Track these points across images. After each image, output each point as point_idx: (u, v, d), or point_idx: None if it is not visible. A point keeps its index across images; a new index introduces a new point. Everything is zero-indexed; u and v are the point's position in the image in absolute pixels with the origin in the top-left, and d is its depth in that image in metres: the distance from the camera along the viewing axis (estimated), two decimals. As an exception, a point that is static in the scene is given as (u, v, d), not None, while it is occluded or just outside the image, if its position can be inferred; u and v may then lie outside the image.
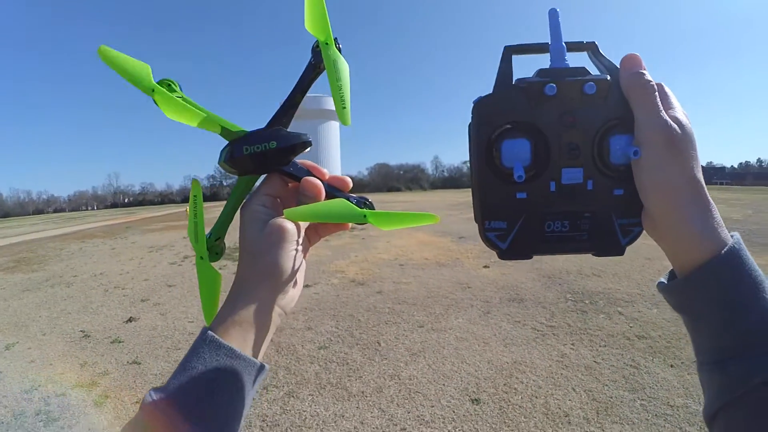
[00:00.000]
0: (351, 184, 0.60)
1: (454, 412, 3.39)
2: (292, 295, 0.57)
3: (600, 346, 4.41)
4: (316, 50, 0.57)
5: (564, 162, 0.50)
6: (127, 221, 25.02)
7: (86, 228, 21.35)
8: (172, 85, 0.56)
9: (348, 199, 0.57)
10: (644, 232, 0.52)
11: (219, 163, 0.58)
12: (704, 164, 0.52)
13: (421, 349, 4.57)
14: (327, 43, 0.55)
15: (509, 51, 0.51)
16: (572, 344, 4.50)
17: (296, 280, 0.57)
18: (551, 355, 4.30)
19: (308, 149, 0.59)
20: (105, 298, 7.07)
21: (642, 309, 5.34)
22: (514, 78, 0.51)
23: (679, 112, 0.47)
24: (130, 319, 5.90)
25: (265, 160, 0.57)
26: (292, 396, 3.72)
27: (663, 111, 0.46)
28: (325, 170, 0.60)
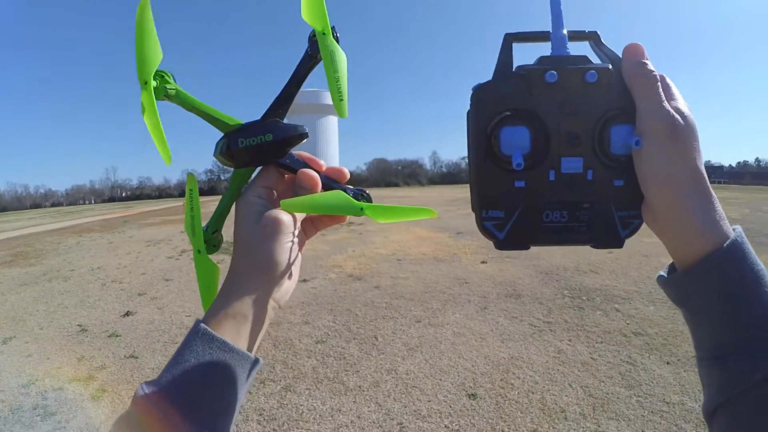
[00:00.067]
0: (348, 176, 0.60)
1: (450, 406, 3.40)
2: (286, 288, 0.56)
3: (597, 343, 4.42)
4: (313, 40, 0.56)
5: (564, 151, 0.49)
6: (125, 215, 24.97)
7: (84, 222, 21.31)
8: (166, 77, 0.54)
9: (345, 191, 0.56)
10: (644, 225, 0.51)
11: (215, 155, 0.58)
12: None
13: (418, 344, 4.58)
14: (324, 33, 0.54)
15: (509, 39, 0.51)
16: (569, 340, 4.51)
17: (291, 273, 0.57)
18: (548, 350, 4.31)
19: (305, 141, 0.58)
20: (102, 292, 7.07)
21: (639, 306, 5.36)
22: (515, 66, 0.50)
23: (682, 103, 0.47)
24: (127, 313, 5.89)
25: (261, 152, 0.56)
26: (289, 390, 3.73)
27: (665, 101, 0.46)
28: (322, 162, 0.59)
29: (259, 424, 3.25)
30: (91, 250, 11.69)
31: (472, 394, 3.55)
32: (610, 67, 0.48)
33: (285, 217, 0.53)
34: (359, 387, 3.76)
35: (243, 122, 0.57)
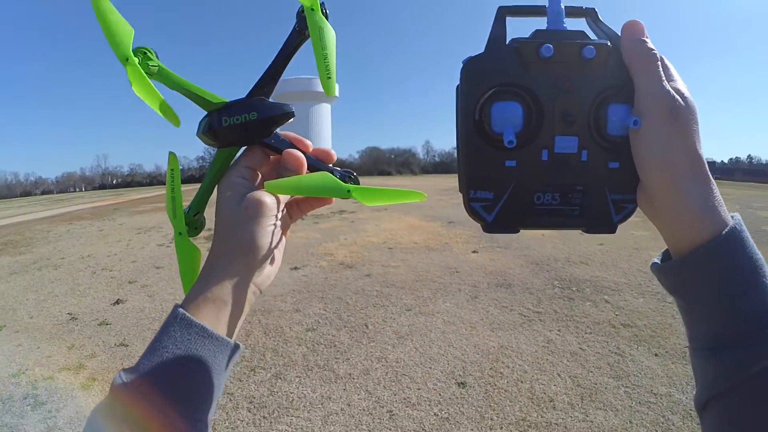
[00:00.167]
0: (335, 157, 0.58)
1: (440, 394, 3.42)
2: (268, 272, 0.55)
3: (586, 333, 4.45)
4: (301, 16, 0.54)
5: (558, 130, 0.47)
6: (115, 203, 24.85)
7: (74, 210, 21.18)
8: (149, 54, 0.53)
9: (332, 173, 0.55)
10: (637, 212, 0.49)
11: (198, 134, 0.56)
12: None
13: (408, 332, 4.60)
14: (313, 9, 0.53)
15: (503, 12, 0.48)
16: (558, 330, 4.54)
17: (274, 258, 0.55)
18: (537, 340, 4.33)
19: (291, 120, 0.56)
20: (92, 281, 7.04)
21: (628, 298, 5.38)
22: (508, 39, 0.48)
23: (681, 84, 0.45)
24: (117, 301, 5.87)
25: (246, 131, 0.54)
26: (280, 378, 3.74)
27: (665, 81, 0.44)
28: (309, 142, 0.58)
29: (249, 411, 3.26)
30: (81, 238, 11.62)
31: (462, 383, 3.57)
32: (609, 43, 0.46)
33: (268, 199, 0.52)
34: (349, 375, 3.78)
35: (228, 100, 0.55)
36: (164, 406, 0.44)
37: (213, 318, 0.48)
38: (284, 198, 0.55)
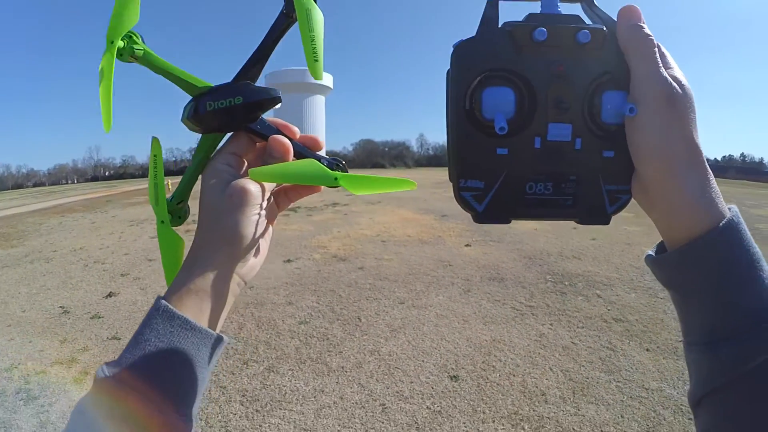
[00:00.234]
0: (323, 145, 0.57)
1: (432, 388, 3.44)
2: (253, 263, 0.54)
3: (578, 328, 4.48)
4: None
5: (551, 116, 0.45)
6: (108, 195, 24.77)
7: (66, 202, 21.08)
8: (135, 37, 0.52)
9: (319, 160, 0.53)
10: (630, 205, 0.48)
11: (182, 120, 0.54)
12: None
13: (401, 325, 4.61)
14: None
15: None
16: (551, 324, 4.56)
17: (259, 248, 0.54)
18: (530, 334, 4.35)
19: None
20: (85, 274, 7.01)
21: (620, 293, 5.41)
22: (501, 23, 0.46)
23: (678, 71, 0.43)
24: (109, 294, 5.85)
25: (231, 116, 0.53)
26: (272, 371, 3.74)
27: (662, 67, 0.43)
28: (295, 129, 0.56)
29: (242, 405, 3.26)
30: (73, 231, 11.57)
31: (454, 376, 3.59)
32: (605, 28, 0.45)
33: (252, 187, 0.50)
34: (342, 368, 3.78)
35: (213, 85, 0.54)
36: (151, 397, 0.43)
37: (196, 310, 0.47)
38: (270, 186, 0.53)
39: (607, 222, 0.48)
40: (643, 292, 5.33)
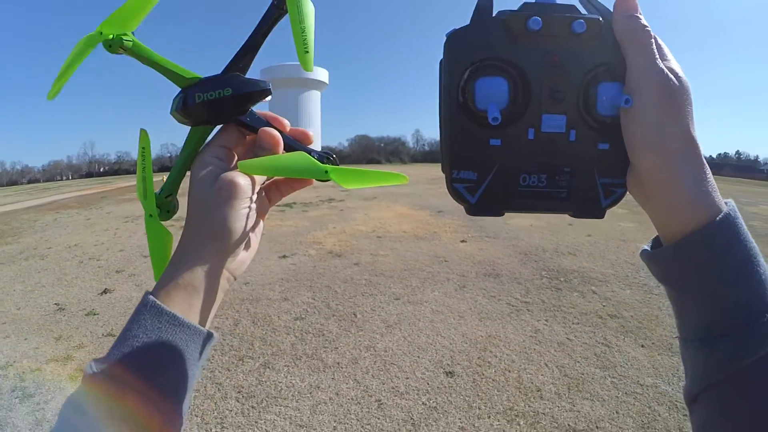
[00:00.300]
0: (313, 139, 0.57)
1: (428, 384, 3.44)
2: (242, 258, 0.53)
3: (573, 324, 4.49)
4: None
5: (545, 107, 0.44)
6: (103, 191, 24.65)
7: (61, 198, 20.98)
8: None
9: (309, 153, 0.52)
10: (624, 202, 0.47)
11: (171, 112, 0.54)
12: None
13: (396, 321, 4.62)
14: None
15: None
16: (546, 320, 4.57)
17: (249, 242, 0.53)
18: (525, 330, 4.36)
19: (268, 98, 0.54)
20: (80, 270, 6.98)
21: (615, 289, 5.42)
22: (495, 11, 0.45)
23: (675, 63, 0.43)
24: (105, 291, 5.84)
25: (220, 108, 0.52)
26: (268, 367, 3.74)
27: (659, 59, 0.42)
28: (286, 122, 0.55)
29: (238, 401, 3.26)
30: (68, 227, 11.51)
31: (450, 372, 3.59)
32: (601, 19, 0.44)
33: (242, 180, 0.49)
34: (338, 364, 3.79)
35: (202, 76, 0.53)
36: (151, 396, 0.42)
37: (185, 306, 0.47)
38: (260, 179, 0.53)
39: (601, 215, 0.48)
40: (638, 289, 5.34)
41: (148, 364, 0.44)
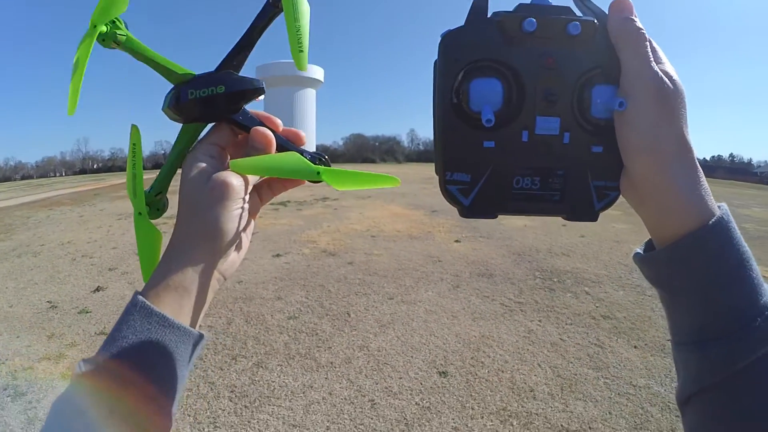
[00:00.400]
0: (305, 139, 0.56)
1: (421, 384, 3.44)
2: (233, 259, 0.52)
3: (566, 324, 4.50)
4: None
5: (539, 109, 0.44)
6: (96, 188, 24.53)
7: (54, 195, 20.88)
8: (118, 23, 0.51)
9: (301, 154, 0.52)
10: (618, 203, 0.47)
11: (163, 109, 0.53)
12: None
13: (390, 320, 4.62)
14: None
15: None
16: (539, 321, 4.58)
17: (240, 243, 0.52)
18: (518, 330, 4.37)
19: (261, 97, 0.53)
20: (72, 268, 6.95)
21: (608, 290, 5.44)
22: (490, 12, 0.45)
23: (669, 66, 0.43)
24: (97, 289, 5.81)
25: (212, 105, 0.51)
26: (261, 366, 3.74)
27: (653, 62, 0.42)
28: (278, 121, 0.55)
29: (231, 401, 3.25)
30: (61, 224, 11.45)
31: (443, 372, 3.60)
32: (595, 21, 0.44)
33: (235, 180, 0.48)
34: (331, 363, 3.78)
35: (195, 73, 0.53)
36: (150, 394, 0.42)
37: (175, 307, 0.46)
38: (253, 179, 0.52)
39: (594, 218, 0.48)
40: (631, 290, 5.36)
41: (134, 366, 0.43)
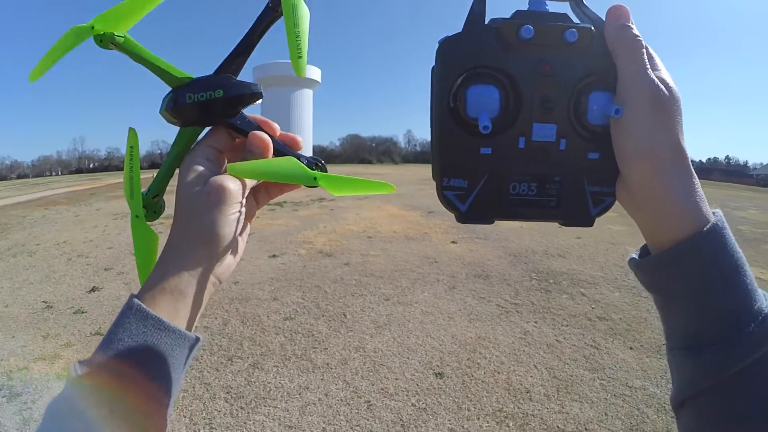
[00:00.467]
0: (302, 144, 0.56)
1: (418, 385, 3.44)
2: (229, 262, 0.52)
3: (562, 326, 4.50)
4: None
5: (536, 116, 0.45)
6: (92, 187, 24.50)
7: (50, 194, 20.84)
8: None
9: (299, 159, 0.52)
10: (615, 205, 0.48)
11: (161, 112, 0.53)
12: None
13: (386, 321, 4.62)
14: None
15: None
16: (535, 322, 4.59)
17: (236, 247, 0.52)
18: (514, 332, 4.37)
19: (259, 101, 0.53)
20: (68, 268, 6.93)
21: (604, 291, 5.46)
22: (488, 19, 0.45)
23: (665, 73, 0.43)
24: (93, 289, 5.80)
25: (210, 109, 0.51)
26: (257, 367, 3.73)
27: (650, 69, 0.42)
28: (276, 125, 0.55)
29: (227, 402, 3.25)
30: (57, 224, 11.43)
31: (439, 373, 3.60)
32: (592, 28, 0.44)
33: (232, 184, 0.48)
34: (327, 364, 3.78)
35: (193, 77, 0.53)
36: (151, 393, 0.42)
37: (171, 310, 0.46)
38: (250, 183, 0.52)
39: (590, 224, 0.48)
40: (627, 291, 5.37)
41: (129, 370, 0.43)
